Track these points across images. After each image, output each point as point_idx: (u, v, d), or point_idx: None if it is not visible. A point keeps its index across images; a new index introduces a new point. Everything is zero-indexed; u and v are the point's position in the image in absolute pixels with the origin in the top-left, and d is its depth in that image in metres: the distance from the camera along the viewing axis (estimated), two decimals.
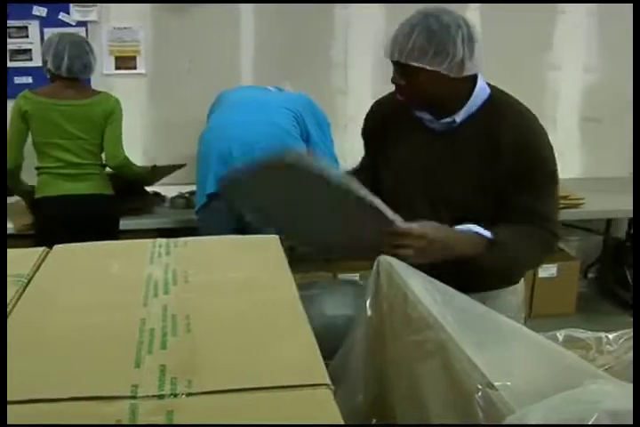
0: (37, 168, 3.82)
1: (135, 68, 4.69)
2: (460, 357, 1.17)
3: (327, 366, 1.15)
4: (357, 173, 2.47)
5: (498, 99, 2.28)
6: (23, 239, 3.64)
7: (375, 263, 1.65)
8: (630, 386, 0.99)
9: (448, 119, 2.22)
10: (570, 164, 5.40)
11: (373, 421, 1.55)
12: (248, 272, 1.56)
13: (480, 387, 1.09)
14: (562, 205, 4.48)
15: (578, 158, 5.45)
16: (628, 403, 0.94)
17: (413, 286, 1.46)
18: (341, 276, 4.51)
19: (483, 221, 2.13)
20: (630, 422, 0.90)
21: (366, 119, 2.55)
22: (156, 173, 4.27)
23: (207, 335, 1.28)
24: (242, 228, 3.45)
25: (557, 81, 5.29)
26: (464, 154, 2.22)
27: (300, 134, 3.72)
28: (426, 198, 2.27)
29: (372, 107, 2.53)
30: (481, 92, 2.25)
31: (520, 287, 2.48)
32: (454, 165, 2.23)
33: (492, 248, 2.07)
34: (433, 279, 1.54)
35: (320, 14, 4.84)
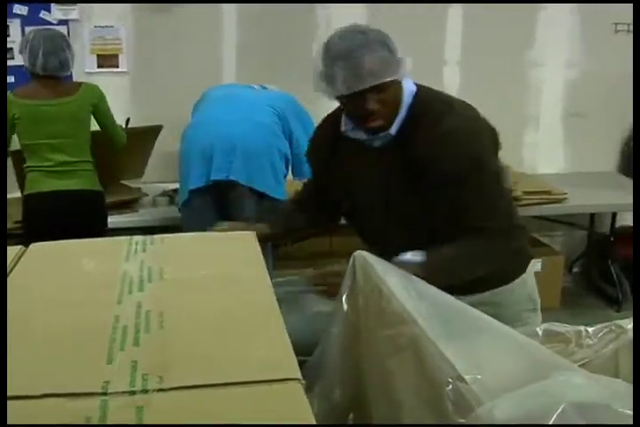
0: (27, 167, 3.79)
1: (117, 66, 4.67)
2: (431, 351, 1.17)
3: (306, 362, 1.15)
4: (303, 204, 2.54)
5: (421, 101, 2.16)
6: (13, 238, 3.59)
7: (351, 258, 1.66)
8: (600, 378, 1.00)
9: (382, 133, 2.13)
10: (554, 159, 5.43)
11: (351, 416, 1.55)
12: (223, 268, 1.57)
13: (450, 380, 1.09)
14: (544, 201, 4.52)
15: (561, 153, 5.45)
16: (595, 395, 0.95)
17: (388, 281, 1.46)
18: None
19: (437, 235, 2.05)
20: (597, 414, 0.90)
21: (312, 142, 2.50)
22: (131, 132, 4.16)
23: (180, 332, 1.28)
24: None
25: (540, 77, 5.30)
26: (398, 167, 2.14)
27: (283, 132, 3.72)
28: (383, 217, 2.21)
29: (314, 132, 2.49)
30: (407, 95, 2.15)
31: (528, 277, 2.41)
32: (395, 180, 2.15)
33: (427, 271, 1.85)
34: (409, 274, 1.54)
35: (302, 13, 4.82)
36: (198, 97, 4.13)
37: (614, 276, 5.16)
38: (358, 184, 2.24)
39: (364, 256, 1.62)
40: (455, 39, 5.05)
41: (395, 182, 2.15)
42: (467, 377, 1.07)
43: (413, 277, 1.50)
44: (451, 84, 5.06)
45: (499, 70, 5.11)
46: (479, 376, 1.08)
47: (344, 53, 1.99)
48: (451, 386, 1.08)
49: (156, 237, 1.78)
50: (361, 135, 2.17)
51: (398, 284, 1.44)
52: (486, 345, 1.24)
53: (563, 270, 5.17)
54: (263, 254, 1.69)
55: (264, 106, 3.72)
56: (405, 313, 1.30)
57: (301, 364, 1.20)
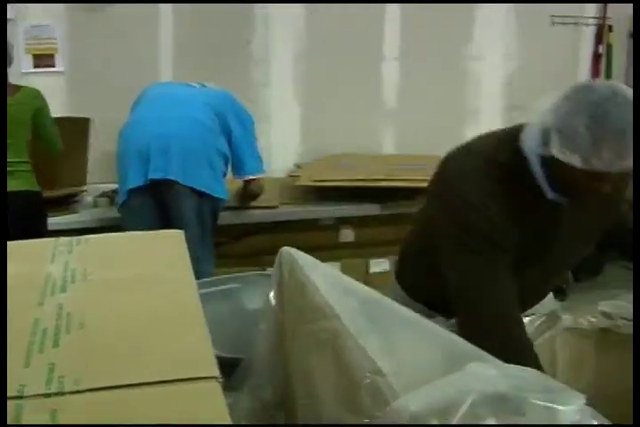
0: None
1: (54, 66, 4.62)
2: (350, 345, 1.18)
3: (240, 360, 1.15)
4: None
5: None
6: None
7: (278, 254, 1.66)
8: (513, 368, 1.01)
9: None
10: None
11: (282, 415, 1.55)
12: (148, 268, 1.55)
13: (368, 374, 1.09)
14: None
15: None
16: (507, 385, 0.96)
17: (313, 276, 1.46)
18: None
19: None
20: (505, 404, 0.91)
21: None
22: (60, 123, 4.09)
23: (101, 333, 1.26)
24: (164, 223, 3.45)
25: (479, 71, 5.35)
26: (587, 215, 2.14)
27: (222, 130, 3.70)
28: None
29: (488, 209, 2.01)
30: None
31: None
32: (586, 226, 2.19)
33: None
34: (336, 270, 1.55)
35: (239, 9, 4.81)
36: (136, 96, 4.11)
37: None
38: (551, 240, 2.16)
39: (289, 252, 1.62)
40: (393, 35, 5.07)
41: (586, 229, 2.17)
42: (385, 371, 1.08)
43: (340, 272, 1.50)
44: (390, 79, 5.10)
45: (437, 65, 5.16)
46: (397, 370, 1.08)
47: (622, 129, 1.76)
48: (368, 380, 1.08)
49: (82, 237, 1.75)
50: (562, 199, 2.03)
51: (323, 279, 1.44)
52: (408, 339, 1.24)
53: None
54: None
55: (201, 103, 3.71)
56: (327, 308, 1.30)
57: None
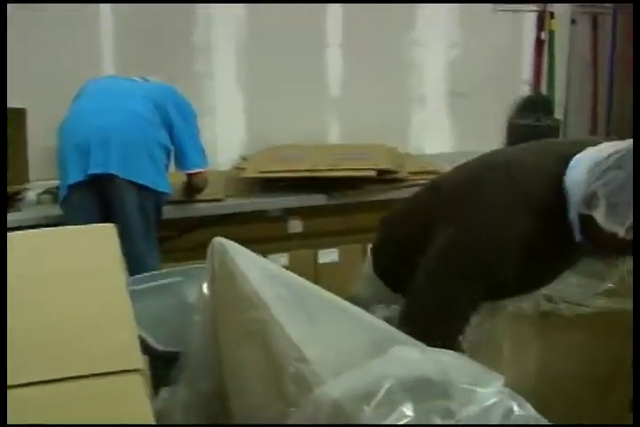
0: None
1: None
2: (277, 334, 1.17)
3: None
4: None
5: None
6: None
7: (210, 245, 1.64)
8: (433, 351, 1.00)
9: None
10: (440, 139, 5.49)
11: (218, 406, 1.53)
12: (78, 262, 1.53)
13: (293, 362, 1.08)
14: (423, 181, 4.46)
15: (447, 133, 5.53)
16: (430, 369, 0.95)
17: (242, 266, 1.45)
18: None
19: None
20: (422, 387, 0.91)
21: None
22: None
23: (26, 328, 1.24)
24: (107, 218, 3.40)
25: (422, 58, 5.35)
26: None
27: (162, 123, 3.66)
28: None
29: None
30: None
31: None
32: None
33: None
34: (268, 261, 1.54)
35: (181, 12, 4.75)
36: (77, 90, 4.05)
37: None
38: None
39: (221, 242, 1.60)
40: (336, 23, 5.05)
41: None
42: (309, 358, 1.07)
43: (268, 261, 1.49)
44: (333, 68, 5.08)
45: (381, 52, 5.14)
46: (322, 357, 1.07)
47: None
48: (293, 368, 1.07)
49: (14, 233, 1.73)
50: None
51: (252, 268, 1.43)
52: (334, 326, 1.23)
53: None
54: None
55: (140, 96, 3.66)
56: (256, 297, 1.29)
57: None
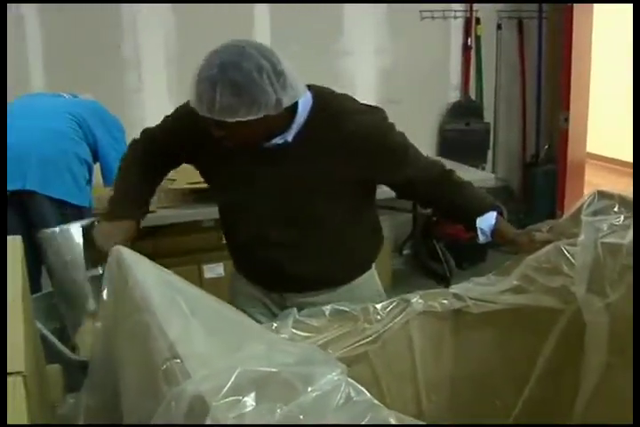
0: None
1: None
2: (156, 334, 1.20)
3: None
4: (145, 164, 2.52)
5: (320, 103, 2.23)
6: None
7: (110, 253, 1.68)
8: (286, 343, 1.05)
9: (278, 140, 2.16)
10: None
11: (116, 411, 1.56)
12: None
13: (167, 360, 1.12)
14: None
15: None
16: (273, 361, 1.00)
17: (138, 274, 1.49)
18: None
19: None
20: (266, 382, 0.95)
21: (180, 119, 2.36)
22: None
23: None
24: (29, 233, 3.40)
25: (351, 66, 5.41)
26: (309, 165, 2.19)
27: (85, 139, 3.65)
28: (276, 218, 2.30)
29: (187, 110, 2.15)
30: (304, 105, 2.18)
31: (374, 271, 2.64)
32: (306, 179, 2.22)
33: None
34: (164, 269, 1.57)
35: (106, 12, 4.77)
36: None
37: (440, 254, 5.34)
38: (246, 179, 2.27)
39: (119, 250, 1.64)
40: (263, 34, 5.09)
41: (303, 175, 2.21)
42: (181, 355, 1.11)
43: (164, 269, 1.53)
44: None
45: (309, 61, 5.18)
46: (193, 353, 1.11)
47: (217, 81, 2.00)
48: (166, 365, 1.11)
49: None
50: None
51: (147, 275, 1.47)
52: (210, 325, 1.27)
53: (390, 253, 5.31)
54: None
55: (61, 113, 3.66)
56: (143, 302, 1.33)
57: None
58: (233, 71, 1.95)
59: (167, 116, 2.46)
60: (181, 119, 2.32)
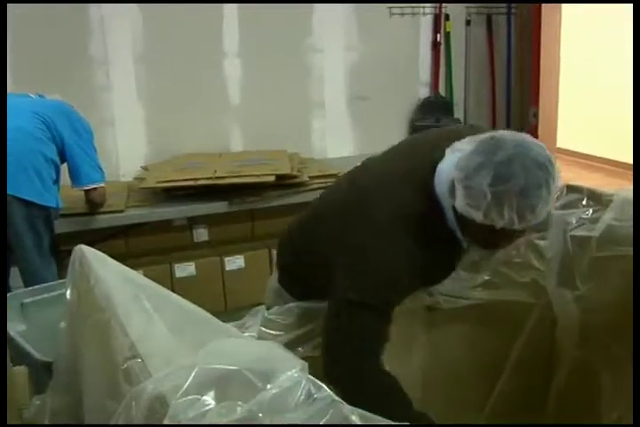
0: None
1: None
2: (117, 333, 1.19)
3: None
4: None
5: None
6: None
7: (73, 252, 1.66)
8: (250, 341, 1.03)
9: None
10: (342, 143, 5.55)
11: (81, 412, 1.54)
12: None
13: (127, 359, 1.11)
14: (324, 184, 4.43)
15: (350, 137, 5.59)
16: (235, 359, 0.99)
17: (100, 272, 1.47)
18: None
19: None
20: (226, 378, 0.94)
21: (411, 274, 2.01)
22: None
23: None
24: None
25: (320, 63, 5.40)
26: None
27: (52, 139, 3.60)
28: None
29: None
30: None
31: None
32: None
33: None
34: (126, 267, 1.55)
35: (73, 12, 4.71)
36: None
37: None
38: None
39: (82, 249, 1.62)
40: (232, 32, 5.07)
41: None
42: (142, 354, 1.09)
43: (126, 268, 1.51)
44: (232, 76, 5.11)
45: (279, 59, 5.18)
46: (154, 352, 1.10)
47: (525, 190, 1.78)
48: (126, 365, 1.09)
49: None
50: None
51: (108, 274, 1.45)
52: (172, 323, 1.26)
53: None
54: None
55: (27, 112, 3.61)
56: (105, 300, 1.31)
57: None
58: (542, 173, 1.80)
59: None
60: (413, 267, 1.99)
